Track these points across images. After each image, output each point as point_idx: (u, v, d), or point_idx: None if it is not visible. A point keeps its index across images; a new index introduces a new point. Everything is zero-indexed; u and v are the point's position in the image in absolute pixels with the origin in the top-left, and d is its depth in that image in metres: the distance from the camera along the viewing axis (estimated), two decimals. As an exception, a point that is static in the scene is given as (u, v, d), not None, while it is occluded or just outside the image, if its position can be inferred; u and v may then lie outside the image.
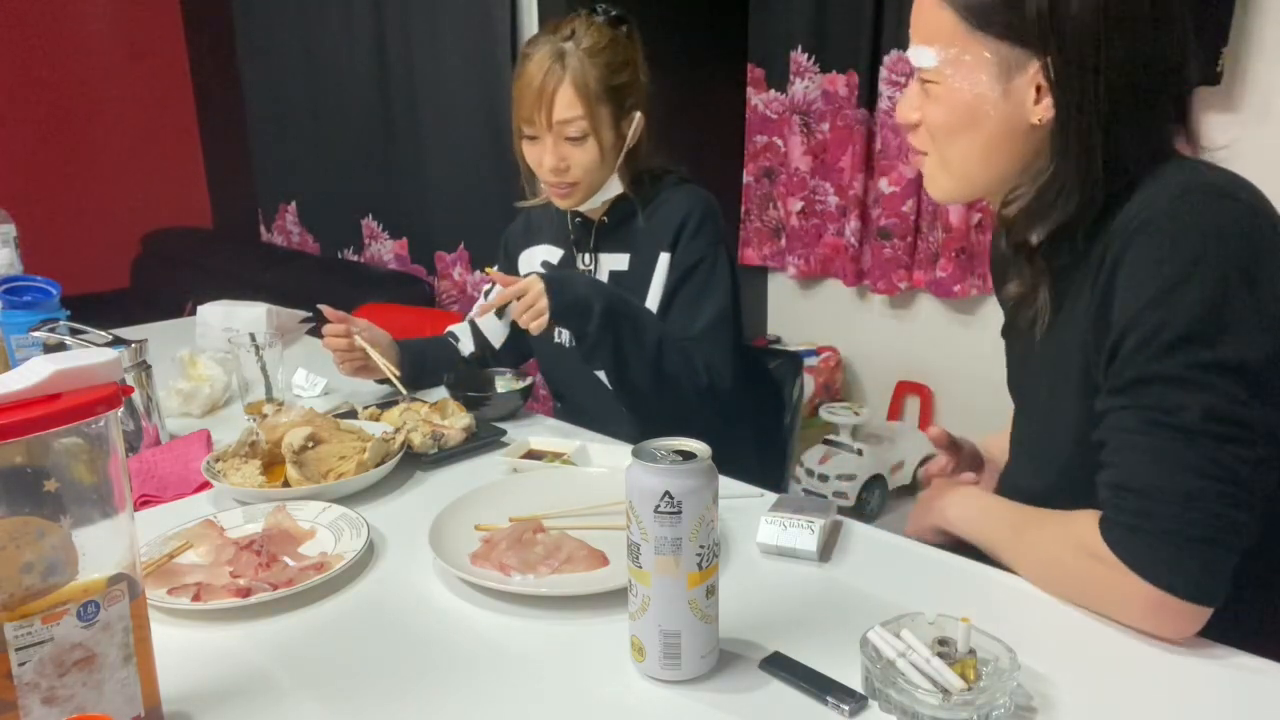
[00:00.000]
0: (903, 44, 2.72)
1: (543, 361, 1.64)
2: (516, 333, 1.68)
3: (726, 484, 1.12)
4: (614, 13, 1.45)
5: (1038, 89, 0.87)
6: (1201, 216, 0.81)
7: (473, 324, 1.69)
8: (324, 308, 1.53)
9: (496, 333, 1.68)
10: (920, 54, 0.92)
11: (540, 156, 1.43)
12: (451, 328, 1.73)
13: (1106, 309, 0.84)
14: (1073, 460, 0.92)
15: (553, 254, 1.58)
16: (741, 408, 1.65)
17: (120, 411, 0.69)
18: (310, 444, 1.22)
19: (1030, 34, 0.85)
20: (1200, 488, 0.78)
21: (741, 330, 1.61)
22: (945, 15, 0.89)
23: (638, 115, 1.45)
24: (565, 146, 1.41)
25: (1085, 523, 0.85)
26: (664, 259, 1.45)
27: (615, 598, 0.88)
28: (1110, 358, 0.84)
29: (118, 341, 1.31)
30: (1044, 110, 0.87)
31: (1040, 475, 1.00)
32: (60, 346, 1.29)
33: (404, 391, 1.48)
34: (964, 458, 1.19)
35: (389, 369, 1.49)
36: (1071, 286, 0.91)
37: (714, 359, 1.43)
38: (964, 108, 0.90)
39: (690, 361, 1.41)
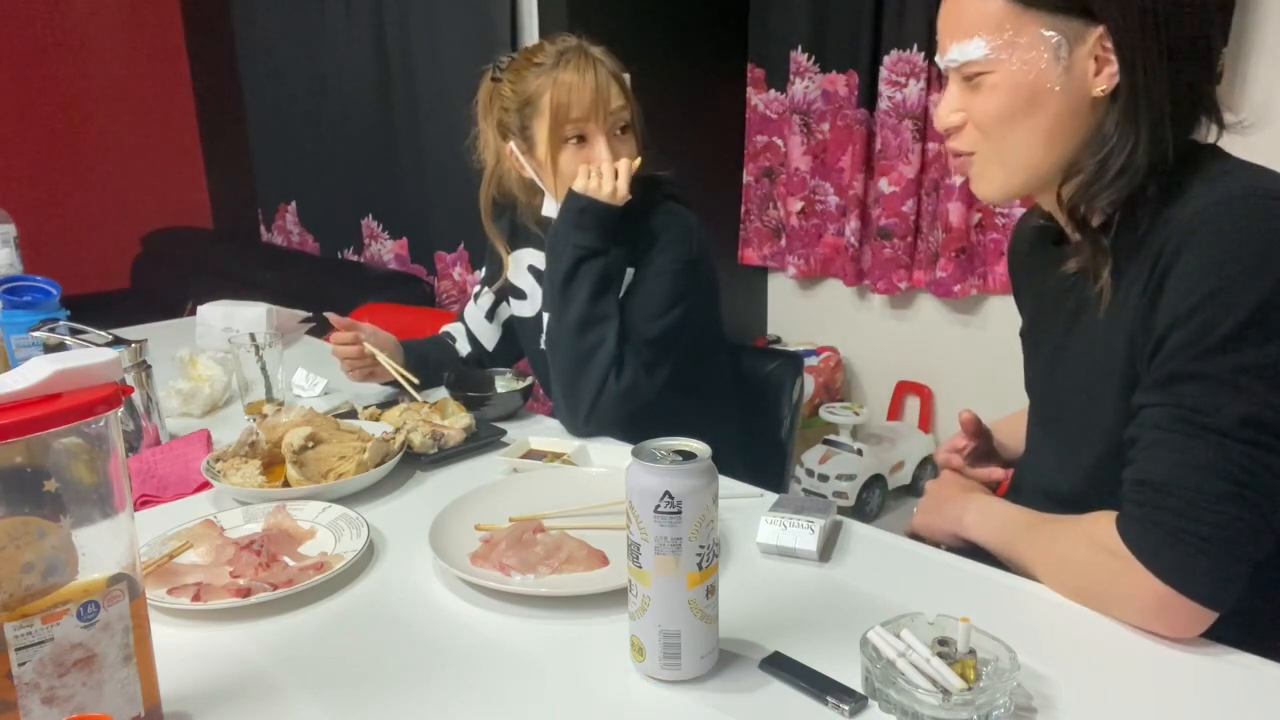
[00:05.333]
0: (903, 44, 2.72)
1: (533, 363, 1.64)
2: (507, 335, 1.69)
3: (726, 484, 1.12)
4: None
5: (1096, 59, 0.87)
6: (1264, 222, 0.80)
7: (466, 326, 1.70)
8: (330, 315, 1.53)
9: (488, 335, 1.69)
10: (967, 48, 0.90)
11: (593, 154, 1.40)
12: (446, 328, 1.73)
13: (1156, 305, 0.84)
14: (1105, 459, 0.91)
15: (537, 258, 1.57)
16: (741, 408, 1.65)
17: (120, 411, 0.69)
18: (310, 444, 1.22)
19: (1090, 1, 0.85)
20: (1224, 491, 0.78)
21: (720, 344, 1.60)
22: (993, 4, 0.88)
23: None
24: (615, 141, 1.41)
25: (1100, 519, 0.86)
26: (629, 273, 1.44)
27: (615, 598, 0.88)
28: (1153, 353, 0.84)
29: (118, 341, 1.31)
30: (1106, 79, 0.87)
31: (1068, 475, 1.00)
32: (60, 346, 1.30)
33: (418, 398, 1.48)
34: (981, 445, 1.19)
35: (405, 377, 1.49)
36: (1123, 281, 0.90)
37: (643, 362, 1.38)
38: (1024, 92, 0.89)
39: (621, 351, 1.37)
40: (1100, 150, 0.88)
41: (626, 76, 1.44)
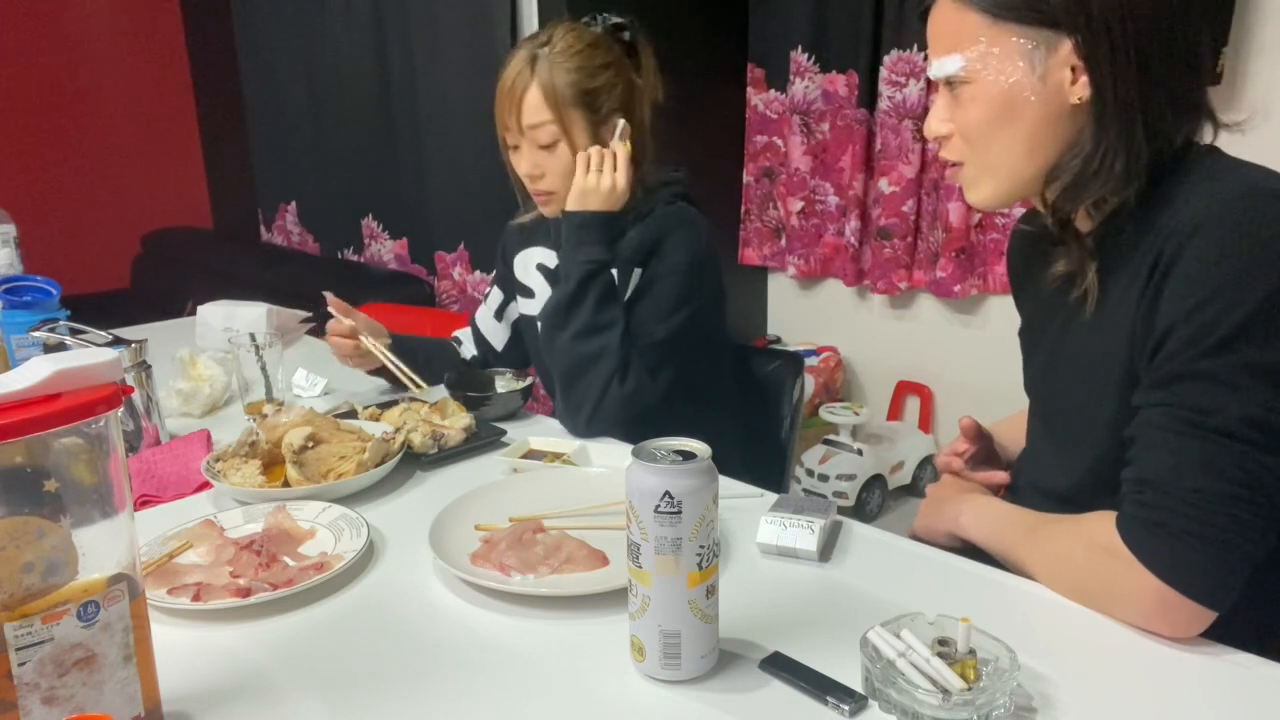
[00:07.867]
0: (903, 44, 2.73)
1: (538, 363, 1.64)
2: (516, 335, 1.69)
3: (726, 484, 1.12)
4: (613, 20, 1.44)
5: (1072, 69, 0.87)
6: (1264, 221, 0.80)
7: (475, 326, 1.70)
8: (328, 295, 1.54)
9: (498, 335, 1.69)
10: (946, 62, 0.92)
11: (519, 164, 1.43)
12: (456, 333, 1.74)
13: (1156, 305, 0.84)
14: (1104, 459, 0.91)
15: (547, 256, 1.57)
16: (741, 408, 1.65)
17: (120, 411, 0.69)
18: (310, 444, 1.22)
19: (1058, 13, 0.86)
20: (1224, 491, 0.78)
21: (723, 345, 1.59)
22: (968, 16, 0.90)
23: (620, 122, 1.41)
24: (539, 154, 1.40)
25: (1099, 519, 0.86)
26: (636, 274, 1.43)
27: (615, 598, 0.88)
28: (1153, 353, 0.84)
29: (118, 341, 1.31)
30: (1082, 89, 0.87)
31: (1067, 475, 1.00)
32: (60, 346, 1.30)
33: (423, 386, 1.49)
34: (981, 449, 1.19)
35: (409, 377, 1.51)
36: (1120, 281, 0.90)
37: (648, 365, 1.38)
38: (1001, 100, 0.90)
39: (626, 356, 1.36)
40: (1078, 156, 0.89)
41: (601, 82, 1.40)
